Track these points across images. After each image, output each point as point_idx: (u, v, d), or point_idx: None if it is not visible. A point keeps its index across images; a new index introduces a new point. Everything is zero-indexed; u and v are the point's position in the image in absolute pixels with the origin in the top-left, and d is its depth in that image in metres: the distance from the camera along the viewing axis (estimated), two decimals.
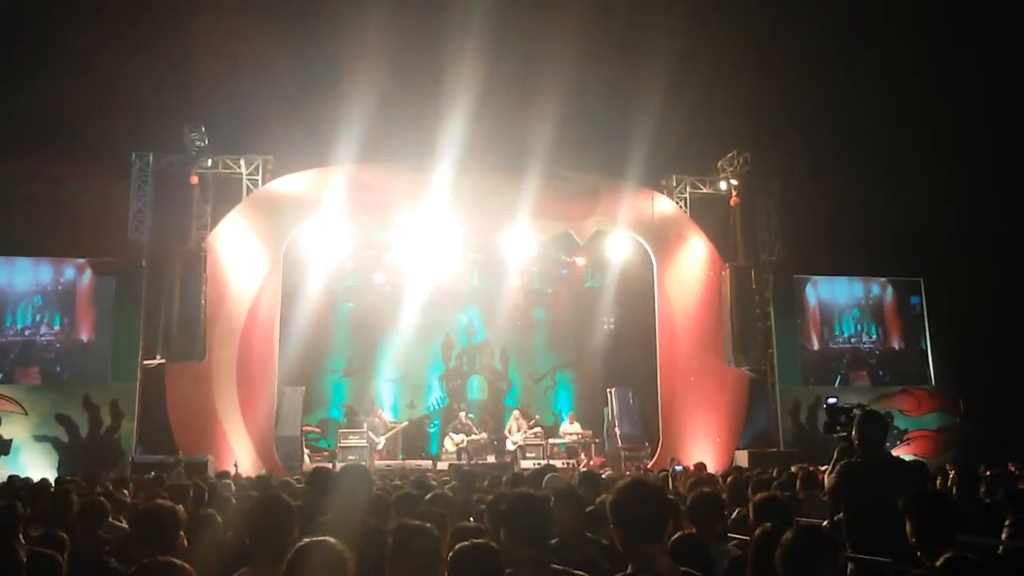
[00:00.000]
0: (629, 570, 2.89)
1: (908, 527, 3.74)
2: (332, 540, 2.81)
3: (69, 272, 15.68)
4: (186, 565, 2.46)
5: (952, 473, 6.05)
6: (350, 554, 2.78)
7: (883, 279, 18.63)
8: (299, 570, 2.69)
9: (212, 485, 8.07)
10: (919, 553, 3.67)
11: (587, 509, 4.73)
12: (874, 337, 18.41)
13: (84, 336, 15.49)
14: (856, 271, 18.46)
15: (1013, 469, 7.79)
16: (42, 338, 15.40)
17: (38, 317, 15.44)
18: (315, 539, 2.81)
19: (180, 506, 3.79)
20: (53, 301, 15.56)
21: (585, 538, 4.17)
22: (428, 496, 5.43)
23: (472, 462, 15.07)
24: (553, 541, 4.05)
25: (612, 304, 18.03)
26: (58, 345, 15.43)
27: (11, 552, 3.68)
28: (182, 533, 3.70)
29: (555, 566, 3.21)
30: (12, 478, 9.31)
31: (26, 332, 15.39)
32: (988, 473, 7.15)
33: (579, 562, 3.45)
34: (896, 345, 18.39)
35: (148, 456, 13.88)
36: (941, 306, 18.15)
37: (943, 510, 3.84)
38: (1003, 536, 3.70)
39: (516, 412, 17.60)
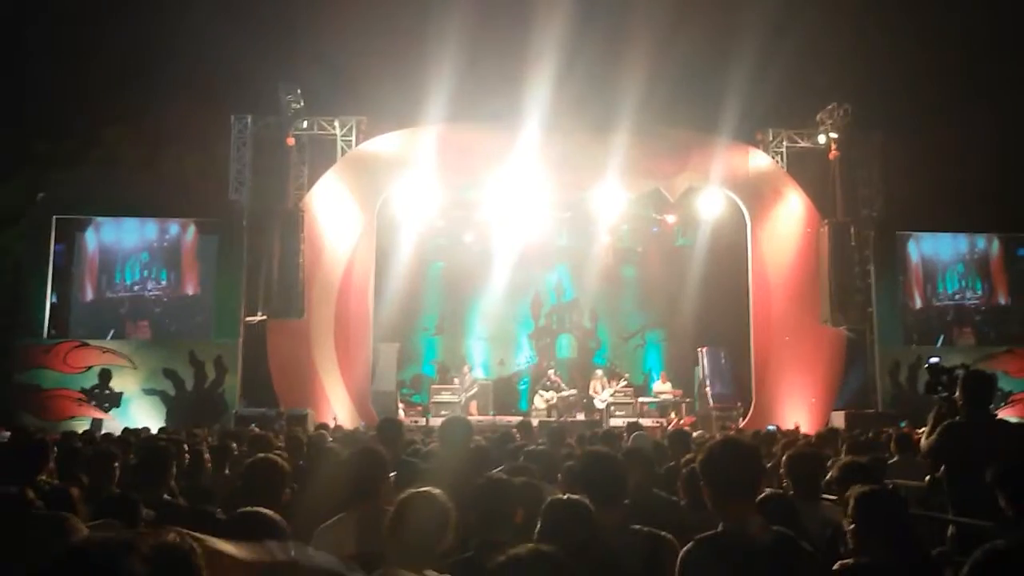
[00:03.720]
0: (720, 528, 2.88)
1: (1000, 498, 3.62)
2: (436, 491, 2.89)
3: (174, 229, 16.26)
4: (278, 517, 2.52)
5: None
6: (452, 505, 2.86)
7: (989, 234, 17.80)
8: (404, 518, 2.78)
9: (312, 437, 8.36)
10: (1017, 522, 3.55)
11: (664, 467, 4.73)
12: (979, 293, 17.63)
13: (190, 290, 16.07)
14: (960, 227, 17.66)
15: None
16: (150, 293, 16.04)
17: (146, 273, 16.07)
18: (420, 489, 2.90)
19: (285, 459, 3.93)
20: (159, 257, 16.17)
21: (654, 495, 4.17)
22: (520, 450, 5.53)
23: (561, 419, 15.18)
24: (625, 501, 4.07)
25: (704, 262, 17.72)
26: (165, 299, 16.06)
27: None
28: (288, 488, 3.85)
29: (635, 527, 3.21)
30: (126, 431, 9.79)
31: (135, 287, 16.04)
32: None
33: (650, 520, 3.44)
34: (1003, 300, 17.61)
35: (251, 409, 14.43)
36: None
37: None
38: None
39: (599, 371, 17.60)
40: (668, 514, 3.78)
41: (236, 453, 6.14)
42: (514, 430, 7.93)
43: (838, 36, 15.68)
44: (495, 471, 4.06)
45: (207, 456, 6.03)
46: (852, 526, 2.97)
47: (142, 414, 14.51)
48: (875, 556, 2.91)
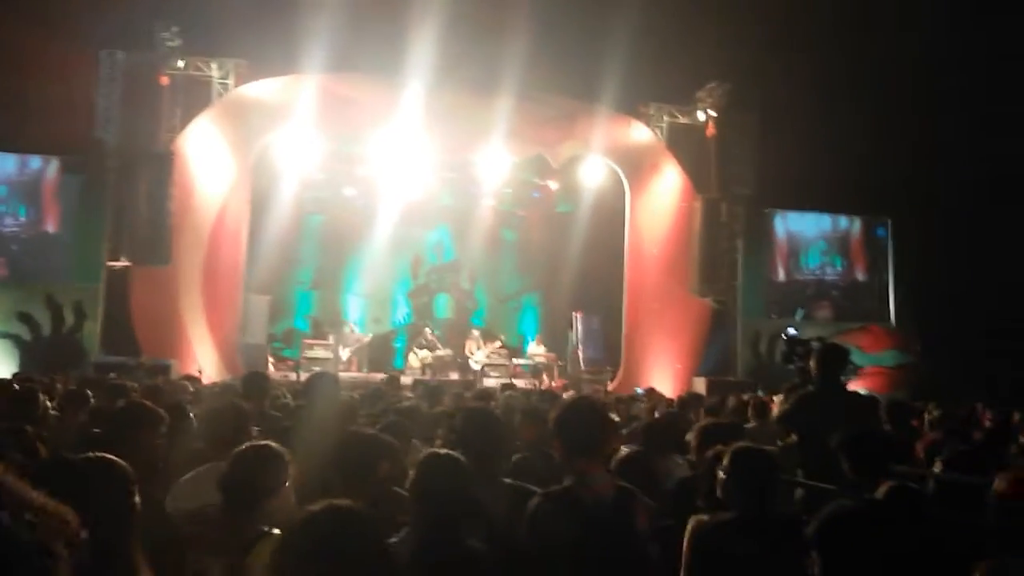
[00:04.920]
0: (565, 483, 3.00)
1: (844, 464, 3.85)
2: (272, 443, 2.97)
3: (35, 163, 15.34)
4: (121, 463, 2.44)
5: (885, 409, 6.22)
6: (289, 455, 2.92)
7: (851, 215, 18.80)
8: (239, 465, 2.85)
9: (173, 387, 8.11)
10: (859, 486, 3.79)
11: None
12: (839, 269, 18.66)
13: (50, 228, 15.23)
14: (826, 207, 18.61)
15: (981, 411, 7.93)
16: (7, 229, 15.12)
17: (3, 208, 15.14)
18: (256, 443, 2.96)
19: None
20: (18, 191, 15.24)
21: (546, 455, 4.27)
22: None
23: (436, 377, 15.24)
24: (516, 456, 4.16)
25: (583, 230, 18.02)
26: (24, 236, 15.15)
27: None
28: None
29: (506, 480, 3.30)
30: None
31: None
32: (932, 410, 7.36)
33: (536, 477, 3.54)
34: (859, 276, 18.68)
35: (110, 358, 13.84)
36: (907, 247, 18.38)
37: (876, 446, 3.96)
38: (936, 469, 3.85)
39: (475, 332, 17.76)
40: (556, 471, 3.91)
41: (92, 402, 5.88)
42: (382, 386, 7.93)
43: (722, 15, 16.03)
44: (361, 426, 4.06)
45: (48, 404, 5.74)
46: (725, 480, 3.11)
47: None
48: (742, 510, 3.06)
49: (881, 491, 3.12)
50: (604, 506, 2.92)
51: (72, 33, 14.68)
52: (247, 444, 3.02)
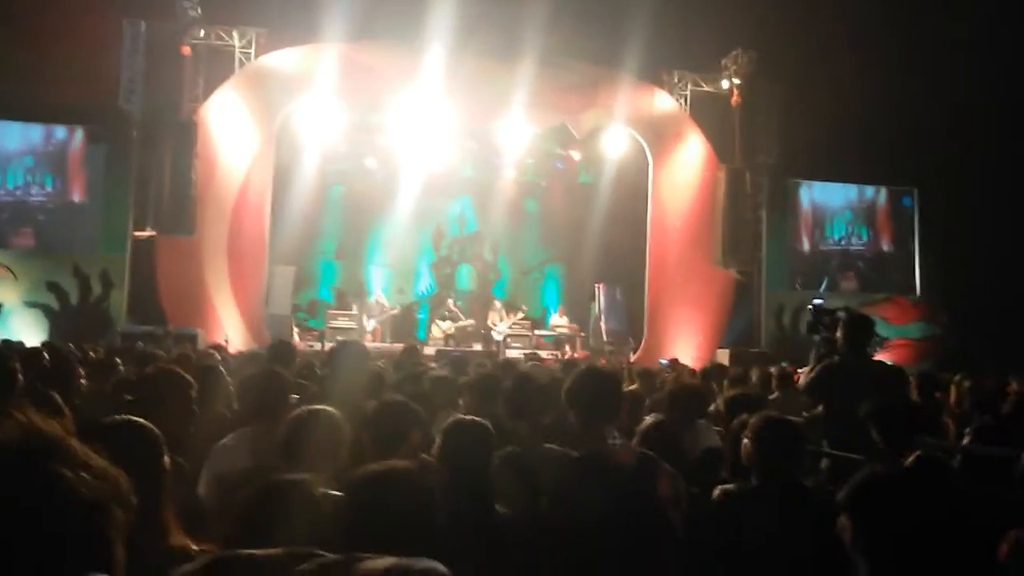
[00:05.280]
0: (585, 451, 3.02)
1: (873, 433, 3.84)
2: (329, 408, 2.95)
3: (60, 133, 15.45)
4: (149, 425, 2.46)
5: (914, 380, 6.19)
6: (346, 422, 2.90)
7: (877, 185, 18.59)
8: (297, 434, 2.84)
9: (202, 356, 8.20)
10: (885, 456, 3.79)
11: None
12: (864, 239, 18.48)
13: (76, 197, 15.34)
14: (852, 178, 18.40)
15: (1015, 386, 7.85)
16: (34, 199, 15.25)
17: (29, 177, 15.26)
18: (314, 407, 2.93)
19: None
20: (44, 162, 15.35)
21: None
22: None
23: (458, 348, 15.28)
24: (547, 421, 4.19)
25: (606, 200, 17.92)
26: (50, 206, 15.28)
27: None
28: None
29: (549, 445, 3.33)
30: (6, 342, 9.39)
31: (17, 192, 15.22)
32: (961, 382, 7.29)
33: (569, 441, 3.57)
34: (885, 247, 18.50)
35: (138, 327, 13.98)
36: (933, 218, 18.17)
37: (905, 416, 3.94)
38: (964, 442, 3.84)
39: (497, 303, 17.76)
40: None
41: (122, 370, 5.96)
42: (401, 357, 7.94)
43: None
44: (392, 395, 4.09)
45: (80, 371, 5.81)
46: (750, 449, 3.11)
47: (24, 327, 13.92)
48: (767, 480, 3.07)
49: (909, 461, 3.11)
50: (626, 473, 2.94)
51: (94, 2, 14.70)
52: (306, 408, 3.01)
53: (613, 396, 3.18)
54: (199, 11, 14.90)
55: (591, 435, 3.05)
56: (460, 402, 4.87)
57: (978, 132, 16.66)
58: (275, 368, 4.07)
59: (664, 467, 3.06)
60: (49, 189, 15.30)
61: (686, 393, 4.83)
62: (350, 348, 4.99)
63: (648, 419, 4.28)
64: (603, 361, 13.83)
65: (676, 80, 17.08)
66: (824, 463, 4.59)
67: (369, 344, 15.15)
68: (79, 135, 15.39)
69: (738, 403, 4.26)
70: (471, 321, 17.32)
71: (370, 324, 16.44)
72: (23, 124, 15.30)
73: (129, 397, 4.35)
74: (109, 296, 14.82)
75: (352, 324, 16.02)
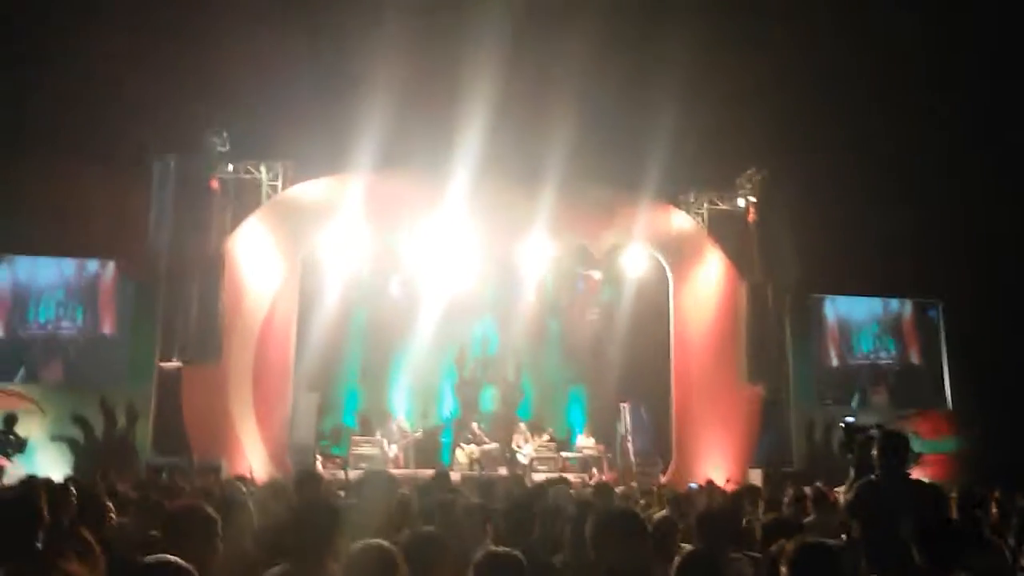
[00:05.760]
0: None
1: (917, 555, 3.73)
2: (386, 543, 2.89)
3: (92, 267, 15.77)
4: (186, 565, 2.43)
5: (954, 497, 6.03)
6: (402, 557, 2.84)
7: (901, 298, 18.51)
8: (356, 570, 2.80)
9: (225, 487, 8.11)
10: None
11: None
12: (892, 352, 18.27)
13: (107, 329, 15.52)
14: (874, 291, 18.36)
15: None
16: (64, 331, 15.44)
17: (60, 311, 15.49)
18: (372, 541, 2.87)
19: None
20: (75, 295, 15.60)
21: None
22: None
23: (484, 472, 15.05)
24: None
25: (627, 319, 17.94)
26: (81, 340, 15.45)
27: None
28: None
29: None
30: (31, 477, 9.34)
31: (48, 326, 15.43)
32: (1001, 497, 7.08)
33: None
34: (915, 360, 18.27)
35: (162, 458, 13.93)
36: (960, 328, 18.01)
37: (948, 535, 3.82)
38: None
39: (522, 425, 17.57)
40: None
41: (148, 503, 5.90)
42: (431, 482, 7.80)
43: (757, 103, 16.24)
44: (424, 526, 4.00)
45: (109, 504, 5.76)
46: None
47: (49, 462, 13.88)
48: None
49: None
50: None
51: (125, 140, 15.28)
52: (366, 543, 2.93)
53: (639, 545, 3.09)
54: (227, 146, 15.42)
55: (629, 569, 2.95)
56: (487, 527, 4.76)
57: (1001, 242, 16.71)
58: (326, 500, 3.98)
59: None
60: (80, 323, 15.52)
61: (715, 518, 4.67)
62: (377, 478, 4.92)
63: (685, 547, 4.16)
64: (632, 483, 13.55)
65: (693, 200, 17.36)
66: None
67: (392, 471, 14.98)
68: (110, 268, 15.71)
69: (774, 529, 4.14)
70: (495, 444, 17.10)
71: (392, 450, 16.27)
72: (56, 260, 15.65)
73: (154, 533, 4.28)
74: (135, 428, 14.81)
75: (375, 451, 15.86)
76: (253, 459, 14.46)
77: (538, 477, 14.39)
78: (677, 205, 17.26)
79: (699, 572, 3.64)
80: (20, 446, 14.19)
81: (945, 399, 18.00)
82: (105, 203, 14.94)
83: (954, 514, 5.85)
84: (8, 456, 14.05)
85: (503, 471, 15.83)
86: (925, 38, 16.28)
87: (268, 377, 15.36)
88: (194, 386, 14.85)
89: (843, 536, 5.22)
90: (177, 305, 14.97)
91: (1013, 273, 16.78)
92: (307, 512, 3.62)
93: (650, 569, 3.20)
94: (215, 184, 15.53)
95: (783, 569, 3.07)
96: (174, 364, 14.90)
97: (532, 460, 16.31)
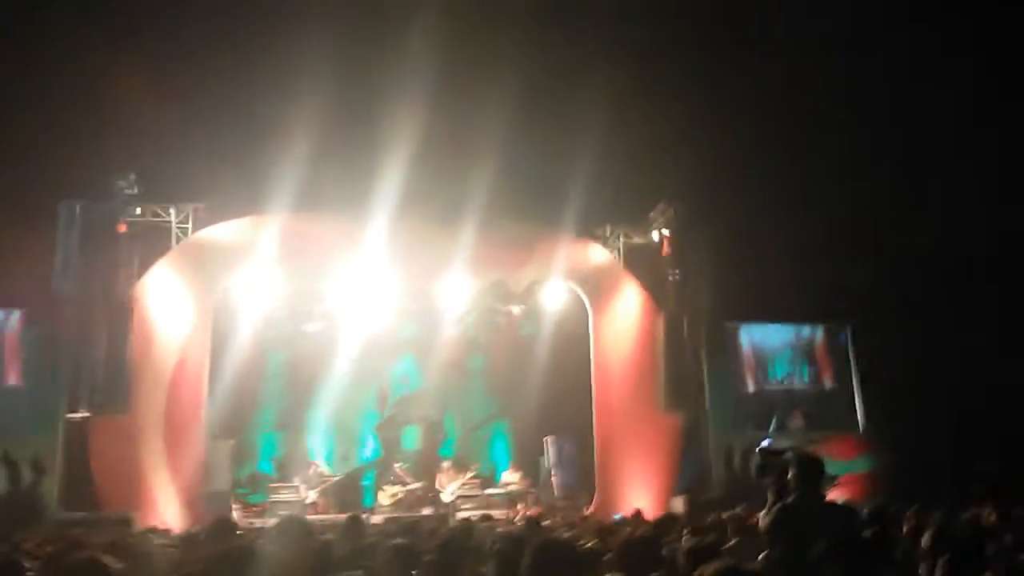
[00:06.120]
0: None
1: (829, 573, 3.82)
2: None
3: None
4: None
5: (869, 516, 6.20)
6: None
7: (813, 324, 19.03)
8: None
9: (133, 542, 7.80)
10: None
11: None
12: (806, 378, 18.75)
13: (13, 380, 14.80)
14: (787, 318, 18.85)
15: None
16: None
17: None
18: None
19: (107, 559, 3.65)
20: None
21: None
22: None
23: (409, 513, 14.85)
24: None
25: (548, 352, 18.04)
26: None
27: None
28: None
29: None
30: None
31: None
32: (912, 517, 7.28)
33: None
34: (828, 384, 18.76)
35: (71, 513, 13.34)
36: (869, 353, 18.60)
37: (859, 553, 3.93)
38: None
39: (445, 464, 17.46)
40: None
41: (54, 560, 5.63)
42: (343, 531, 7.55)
43: (668, 138, 16.70)
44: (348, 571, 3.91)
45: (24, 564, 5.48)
46: None
47: None
48: None
49: None
50: None
51: (29, 185, 14.79)
52: None
53: (580, 562, 3.10)
54: (135, 189, 15.04)
55: None
56: (417, 573, 4.70)
57: (905, 267, 17.40)
58: (241, 549, 3.84)
59: None
60: None
61: (635, 548, 4.73)
62: (291, 523, 4.80)
63: None
64: (558, 517, 13.55)
65: (608, 233, 17.63)
66: None
67: (312, 517, 14.65)
68: (15, 317, 15.06)
69: (696, 554, 4.18)
70: (420, 484, 16.92)
71: (311, 495, 15.94)
72: None
73: None
74: (41, 482, 14.16)
75: (294, 497, 15.51)
76: (166, 510, 13.96)
77: (463, 515, 14.28)
78: (594, 239, 17.50)
79: None
80: None
81: (857, 421, 18.51)
82: (8, 250, 14.38)
83: (865, 533, 6.01)
84: None
85: (427, 511, 15.67)
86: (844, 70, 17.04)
87: (180, 424, 14.89)
88: (103, 436, 14.29)
89: (759, 557, 5.30)
90: (84, 353, 14.44)
91: (917, 294, 17.48)
92: (222, 562, 3.52)
93: None
94: (123, 228, 15.11)
95: None
96: (81, 415, 14.33)
97: (457, 498, 16.18)
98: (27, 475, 14.14)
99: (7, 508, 13.72)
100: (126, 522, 12.42)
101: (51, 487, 14.12)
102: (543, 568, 3.01)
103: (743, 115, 17.43)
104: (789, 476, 5.18)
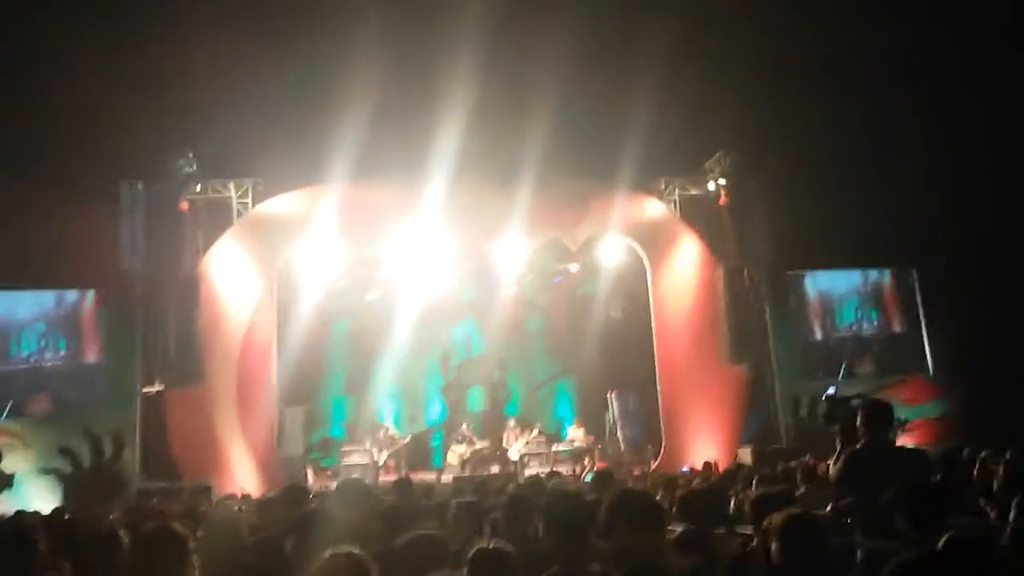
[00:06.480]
0: (633, 568, 2.94)
1: (900, 519, 3.78)
2: (355, 550, 2.89)
3: (71, 296, 15.63)
4: None
5: (939, 461, 6.10)
6: (373, 564, 2.84)
7: (880, 268, 18.63)
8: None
9: (210, 509, 8.08)
10: (917, 541, 3.71)
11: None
12: (875, 323, 18.39)
13: (91, 358, 15.38)
14: (849, 264, 18.49)
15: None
16: (48, 363, 15.29)
17: (43, 343, 15.35)
18: (341, 548, 2.87)
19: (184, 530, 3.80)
20: (57, 326, 15.47)
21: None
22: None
23: (476, 472, 15.08)
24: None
25: (607, 309, 18.01)
26: (66, 370, 15.30)
27: None
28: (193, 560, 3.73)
29: (594, 566, 3.24)
30: (19, 512, 9.27)
31: (31, 359, 15.29)
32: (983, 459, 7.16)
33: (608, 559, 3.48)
34: (897, 329, 18.40)
35: (152, 483, 13.84)
36: (936, 295, 18.18)
37: (929, 498, 3.88)
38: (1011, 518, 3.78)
39: (511, 422, 17.61)
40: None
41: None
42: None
43: (723, 87, 16.38)
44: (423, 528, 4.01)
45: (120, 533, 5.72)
46: (779, 549, 3.05)
47: (36, 495, 13.75)
48: None
49: (941, 543, 3.04)
50: None
51: (92, 167, 15.16)
52: (333, 552, 2.92)
53: (655, 511, 3.10)
54: (194, 167, 15.33)
55: (637, 552, 2.97)
56: (486, 528, 4.78)
57: (972, 206, 16.90)
58: (309, 512, 3.96)
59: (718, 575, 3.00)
60: (63, 352, 15.37)
61: (698, 499, 4.73)
62: (349, 487, 4.92)
63: (675, 528, 4.20)
64: (624, 471, 13.63)
65: (664, 187, 17.42)
66: (859, 555, 4.49)
67: (384, 478, 14.99)
68: (90, 297, 15.56)
69: (763, 504, 4.18)
70: (486, 443, 17.13)
71: (382, 457, 16.26)
72: (33, 292, 15.49)
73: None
74: (122, 455, 14.68)
75: (365, 460, 15.84)
76: (243, 477, 14.40)
77: (530, 472, 14.45)
78: (650, 193, 17.32)
79: (692, 547, 3.69)
80: (6, 481, 14.09)
81: (927, 365, 18.15)
82: (79, 230, 14.81)
83: (936, 477, 5.93)
84: None
85: (495, 469, 15.88)
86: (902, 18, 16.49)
87: (252, 393, 15.29)
88: (178, 408, 14.78)
89: (829, 507, 5.28)
90: (155, 329, 14.88)
91: (983, 234, 16.99)
92: (295, 525, 3.64)
93: (663, 549, 3.23)
94: (184, 206, 15.45)
95: (772, 542, 3.11)
96: (156, 388, 14.80)
97: (523, 456, 16.34)
98: (108, 449, 14.69)
99: (91, 481, 14.28)
100: (205, 490, 12.84)
101: (132, 459, 14.66)
102: (621, 517, 3.04)
103: (800, 61, 16.98)
104: (857, 423, 5.11)
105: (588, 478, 10.71)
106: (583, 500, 3.70)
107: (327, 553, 2.88)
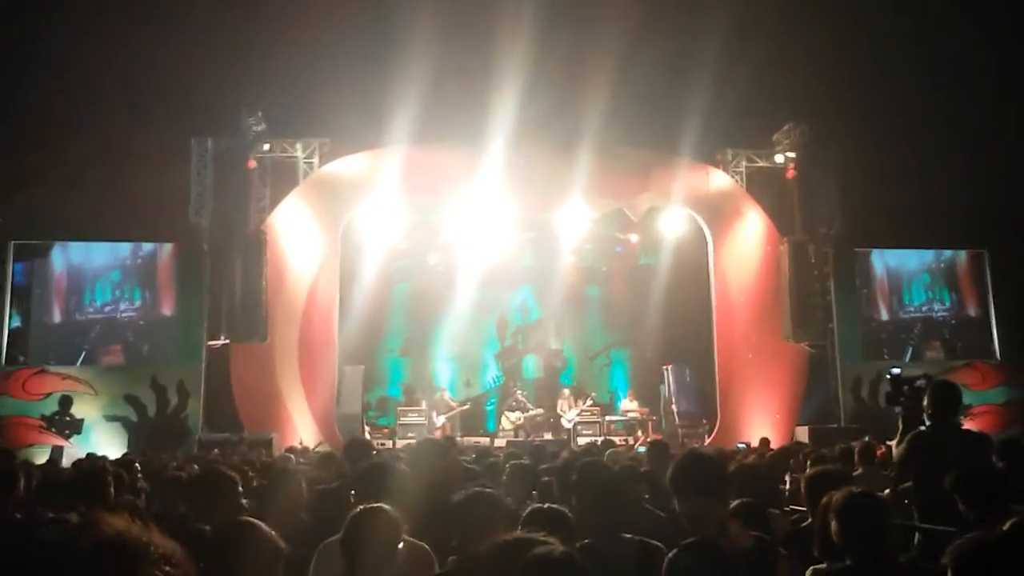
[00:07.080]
0: (701, 536, 2.92)
1: (960, 504, 3.72)
2: (385, 506, 2.95)
3: (147, 248, 15.91)
4: (268, 530, 2.56)
5: (1003, 447, 5.94)
6: (402, 518, 2.90)
7: (954, 248, 18.03)
8: (353, 534, 2.88)
9: (272, 461, 8.29)
10: (978, 527, 3.64)
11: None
12: (947, 304, 17.79)
13: (167, 311, 15.66)
14: (918, 243, 17.96)
15: None
16: (123, 314, 15.66)
17: (117, 293, 15.69)
18: (372, 505, 2.94)
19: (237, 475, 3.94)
20: (132, 276, 15.79)
21: (646, 510, 4.21)
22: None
23: (529, 438, 15.18)
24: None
25: (667, 281, 17.86)
26: (141, 321, 15.61)
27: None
28: (244, 502, 3.88)
29: (625, 535, 3.26)
30: (91, 455, 9.64)
31: (106, 309, 15.60)
32: None
33: (641, 532, 3.49)
34: (972, 312, 17.80)
35: (214, 435, 14.23)
36: (1007, 279, 17.62)
37: (991, 484, 3.80)
38: None
39: (566, 391, 17.62)
40: (656, 527, 3.84)
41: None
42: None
43: (793, 57, 15.96)
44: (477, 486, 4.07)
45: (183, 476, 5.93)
46: (838, 528, 3.02)
47: (104, 441, 14.25)
48: (859, 559, 2.97)
49: (1007, 526, 2.98)
50: (744, 557, 2.85)
51: (164, 122, 15.47)
52: (364, 507, 3.02)
53: (721, 476, 3.10)
54: (263, 126, 15.55)
55: (702, 521, 2.95)
56: (534, 492, 4.83)
57: None
58: (382, 463, 4.07)
59: (779, 550, 2.97)
60: (138, 303, 15.69)
61: (746, 474, 4.67)
62: (428, 444, 5.01)
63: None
64: (678, 444, 13.58)
65: (730, 158, 17.13)
66: (917, 537, 4.43)
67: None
68: (167, 249, 15.85)
69: (820, 482, 4.14)
70: (540, 410, 17.21)
71: (439, 420, 16.45)
72: (109, 243, 15.85)
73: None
74: (186, 406, 15.12)
75: (421, 420, 16.05)
76: (303, 431, 14.73)
77: (582, 441, 14.46)
78: (714, 164, 17.06)
79: (753, 519, 3.66)
80: (76, 427, 14.64)
81: (994, 350, 17.65)
82: (144, 186, 15.14)
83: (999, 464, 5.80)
84: (66, 436, 14.52)
85: (548, 436, 15.95)
86: None
87: (313, 351, 15.59)
88: (242, 362, 15.14)
89: (887, 490, 5.20)
90: (221, 284, 15.20)
91: None
92: (364, 477, 3.73)
93: (727, 518, 3.19)
94: (252, 163, 15.70)
95: (832, 520, 3.08)
96: (221, 342, 15.16)
97: (576, 424, 16.39)
98: (173, 399, 15.13)
99: (156, 430, 14.74)
100: (267, 443, 13.16)
101: (196, 410, 15.08)
102: (689, 480, 3.02)
103: (877, 30, 16.48)
104: (923, 404, 4.99)
105: (641, 450, 10.73)
106: (612, 471, 3.68)
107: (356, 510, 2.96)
